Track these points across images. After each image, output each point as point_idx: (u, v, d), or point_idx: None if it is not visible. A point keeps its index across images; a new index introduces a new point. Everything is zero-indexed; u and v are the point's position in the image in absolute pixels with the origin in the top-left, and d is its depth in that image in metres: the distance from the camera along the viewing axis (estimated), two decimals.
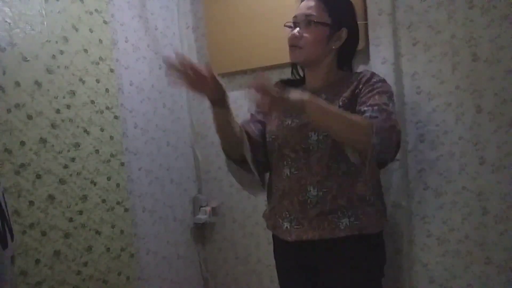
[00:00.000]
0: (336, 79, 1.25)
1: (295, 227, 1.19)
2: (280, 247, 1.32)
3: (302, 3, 1.25)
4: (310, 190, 1.17)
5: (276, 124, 1.27)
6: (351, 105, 1.16)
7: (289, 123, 1.23)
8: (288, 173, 1.21)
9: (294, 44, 1.21)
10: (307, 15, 1.20)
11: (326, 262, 1.21)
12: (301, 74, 1.37)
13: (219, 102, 1.13)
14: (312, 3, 1.21)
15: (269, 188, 1.32)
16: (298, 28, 1.21)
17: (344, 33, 1.22)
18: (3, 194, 0.88)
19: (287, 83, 1.35)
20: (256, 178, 1.27)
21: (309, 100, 1.01)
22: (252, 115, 1.38)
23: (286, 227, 1.21)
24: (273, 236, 1.33)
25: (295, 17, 1.24)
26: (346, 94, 1.18)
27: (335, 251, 1.18)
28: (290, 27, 1.25)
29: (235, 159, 1.28)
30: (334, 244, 1.17)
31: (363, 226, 1.16)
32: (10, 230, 0.87)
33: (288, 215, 1.21)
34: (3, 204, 0.86)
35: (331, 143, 1.15)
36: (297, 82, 1.36)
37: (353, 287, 1.18)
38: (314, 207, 1.17)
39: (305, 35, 1.20)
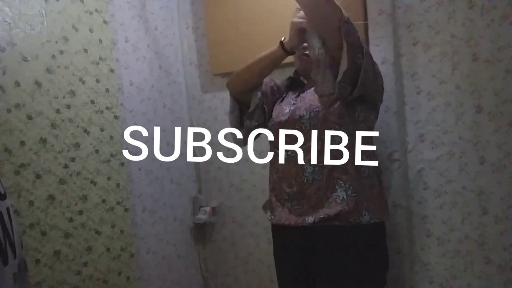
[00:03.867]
0: None
1: (295, 207, 1.22)
2: (278, 234, 1.34)
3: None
4: (306, 168, 1.19)
5: (278, 111, 1.33)
6: None
7: (288, 110, 1.27)
8: (286, 156, 1.24)
9: (302, 53, 1.27)
10: None
11: (320, 255, 1.21)
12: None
13: (291, 51, 1.25)
14: None
15: (270, 166, 1.35)
16: None
17: None
18: (7, 209, 0.87)
19: (293, 80, 1.44)
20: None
21: None
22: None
23: (287, 206, 1.23)
24: (272, 225, 1.35)
25: None
26: None
27: (330, 242, 1.18)
28: None
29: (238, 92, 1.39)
30: (331, 231, 1.17)
31: (360, 200, 1.16)
32: (13, 246, 0.86)
33: (288, 197, 1.24)
34: (6, 220, 0.85)
35: (322, 117, 1.18)
36: (301, 83, 1.42)
37: (348, 283, 1.18)
38: (312, 185, 1.19)
39: None
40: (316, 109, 1.19)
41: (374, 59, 1.49)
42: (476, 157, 1.38)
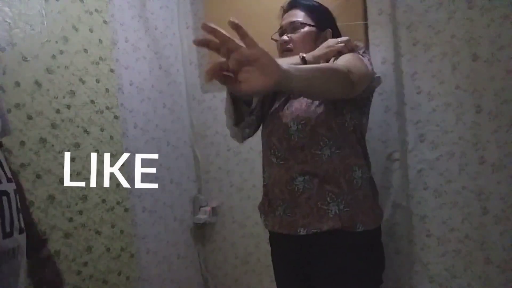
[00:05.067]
0: None
1: (288, 215, 1.20)
2: (274, 239, 1.34)
3: (285, 15, 1.32)
4: (296, 177, 1.18)
5: (270, 112, 1.30)
6: None
7: (281, 113, 1.25)
8: (275, 161, 1.23)
9: (285, 48, 1.27)
10: (292, 22, 1.28)
11: (316, 258, 1.20)
12: None
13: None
14: (294, 12, 1.29)
15: (263, 169, 1.32)
16: (285, 34, 1.28)
17: (329, 33, 1.28)
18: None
19: None
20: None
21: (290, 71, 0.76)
22: None
23: (279, 213, 1.22)
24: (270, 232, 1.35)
25: (281, 27, 1.31)
26: None
27: (325, 246, 1.17)
28: (276, 40, 1.31)
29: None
30: (325, 239, 1.16)
31: (354, 213, 1.15)
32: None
33: (281, 203, 1.22)
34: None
35: (310, 130, 1.17)
36: None
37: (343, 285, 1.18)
38: (302, 194, 1.17)
39: (294, 36, 1.26)
40: (303, 121, 1.18)
41: (374, 59, 1.50)
42: (476, 157, 1.38)
